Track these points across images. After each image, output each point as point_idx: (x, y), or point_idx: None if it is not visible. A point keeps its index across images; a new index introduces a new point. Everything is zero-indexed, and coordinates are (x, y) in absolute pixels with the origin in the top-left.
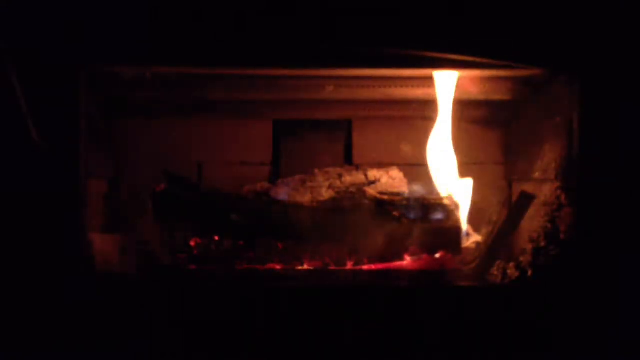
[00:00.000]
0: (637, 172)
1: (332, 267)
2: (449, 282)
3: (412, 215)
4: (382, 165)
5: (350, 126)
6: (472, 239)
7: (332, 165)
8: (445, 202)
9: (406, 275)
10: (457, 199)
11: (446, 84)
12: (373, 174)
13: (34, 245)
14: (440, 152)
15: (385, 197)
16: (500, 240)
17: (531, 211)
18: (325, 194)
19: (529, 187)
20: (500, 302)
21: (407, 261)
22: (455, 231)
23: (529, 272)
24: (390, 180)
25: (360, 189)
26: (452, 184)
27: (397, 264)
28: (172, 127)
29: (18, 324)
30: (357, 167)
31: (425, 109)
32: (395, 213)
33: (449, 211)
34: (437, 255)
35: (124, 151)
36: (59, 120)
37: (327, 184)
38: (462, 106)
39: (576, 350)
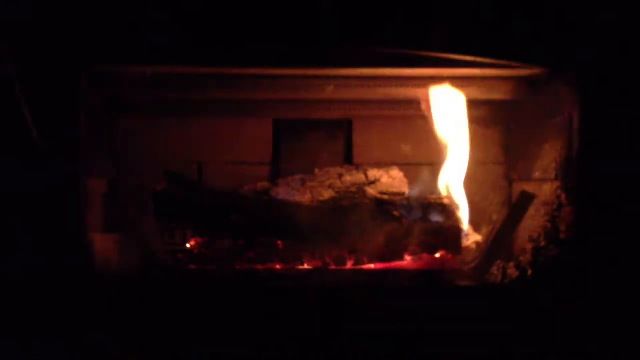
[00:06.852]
0: (637, 171)
1: (332, 267)
2: (449, 282)
3: (412, 215)
4: (382, 165)
5: (350, 126)
6: (472, 239)
7: (332, 165)
8: (445, 202)
9: (406, 275)
10: (457, 198)
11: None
12: (373, 173)
13: (34, 244)
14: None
15: (386, 196)
16: (500, 240)
17: (531, 211)
18: (326, 193)
19: (529, 187)
20: (500, 302)
21: (407, 261)
22: (455, 231)
23: (529, 272)
24: (390, 180)
25: (360, 188)
26: (452, 183)
27: (397, 263)
28: (172, 127)
29: (18, 323)
30: (357, 167)
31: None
32: (395, 213)
33: (449, 211)
34: (437, 255)
35: (124, 151)
36: (60, 119)
37: (327, 183)
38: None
39: (576, 350)
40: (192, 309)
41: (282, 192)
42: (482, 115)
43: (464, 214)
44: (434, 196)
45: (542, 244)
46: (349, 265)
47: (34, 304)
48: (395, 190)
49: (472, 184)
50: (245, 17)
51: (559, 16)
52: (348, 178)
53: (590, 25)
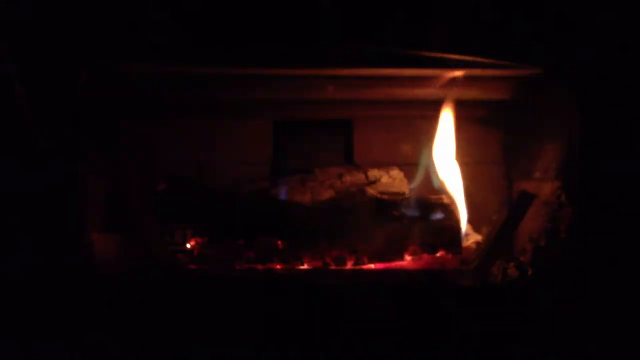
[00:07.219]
0: (637, 171)
1: (332, 267)
2: (449, 281)
3: (412, 215)
4: (382, 165)
5: (350, 126)
6: (472, 239)
7: (332, 164)
8: (445, 201)
9: (406, 275)
10: (457, 198)
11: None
12: (373, 173)
13: (34, 244)
14: (442, 152)
15: (386, 196)
16: (500, 240)
17: (531, 211)
18: (325, 193)
19: (529, 187)
20: (500, 302)
21: (407, 261)
22: (455, 230)
23: (529, 272)
24: (390, 180)
25: (360, 188)
26: (452, 183)
27: (397, 263)
28: (172, 127)
29: (18, 323)
30: (358, 167)
31: (426, 109)
32: (395, 212)
33: (449, 210)
34: (437, 255)
35: (124, 151)
36: (60, 119)
37: (327, 183)
38: (462, 106)
39: (576, 350)
40: (192, 309)
41: (282, 192)
42: (482, 115)
43: (463, 214)
44: (434, 196)
45: (542, 244)
46: (349, 265)
47: (34, 304)
48: (395, 190)
49: (472, 184)
50: (245, 17)
51: (559, 16)
52: (348, 178)
53: (590, 25)
